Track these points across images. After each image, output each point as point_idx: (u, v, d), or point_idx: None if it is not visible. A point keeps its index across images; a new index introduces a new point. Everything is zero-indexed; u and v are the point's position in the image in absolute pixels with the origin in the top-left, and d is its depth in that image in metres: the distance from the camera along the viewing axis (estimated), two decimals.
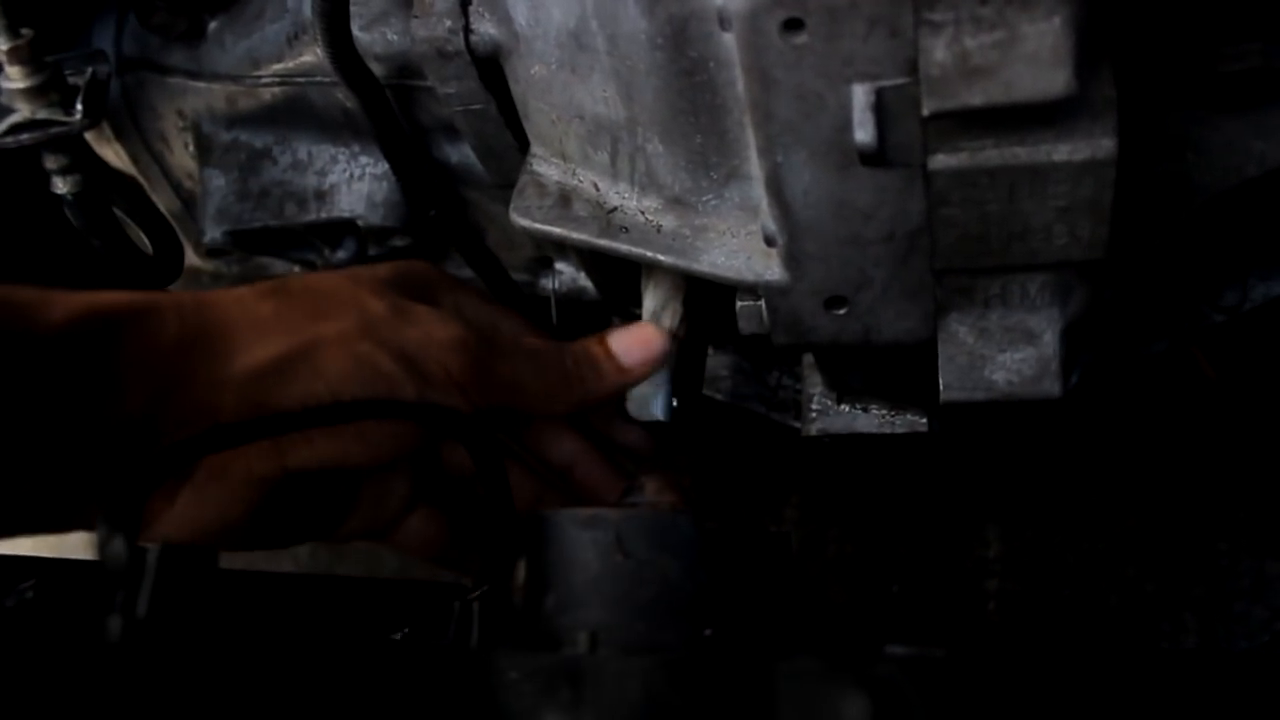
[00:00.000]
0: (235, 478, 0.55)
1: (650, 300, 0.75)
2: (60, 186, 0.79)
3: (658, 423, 0.74)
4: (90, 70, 0.77)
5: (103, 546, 0.41)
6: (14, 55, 0.73)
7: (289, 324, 0.57)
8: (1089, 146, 0.52)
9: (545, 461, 0.74)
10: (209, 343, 0.56)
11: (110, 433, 0.52)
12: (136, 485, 0.43)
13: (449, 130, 0.82)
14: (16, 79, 0.73)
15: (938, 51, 0.49)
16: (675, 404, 0.74)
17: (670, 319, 0.74)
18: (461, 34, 0.68)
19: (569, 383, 0.68)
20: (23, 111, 0.74)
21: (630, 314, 0.89)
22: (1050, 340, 0.62)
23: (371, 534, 0.66)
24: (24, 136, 0.74)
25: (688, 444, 0.80)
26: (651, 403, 0.73)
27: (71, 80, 0.76)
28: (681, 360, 0.75)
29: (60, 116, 0.75)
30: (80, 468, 0.52)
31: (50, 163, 0.78)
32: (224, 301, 0.59)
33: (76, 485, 0.52)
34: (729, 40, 0.56)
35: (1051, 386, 0.63)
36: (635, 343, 0.70)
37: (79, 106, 0.75)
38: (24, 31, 0.73)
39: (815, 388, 0.81)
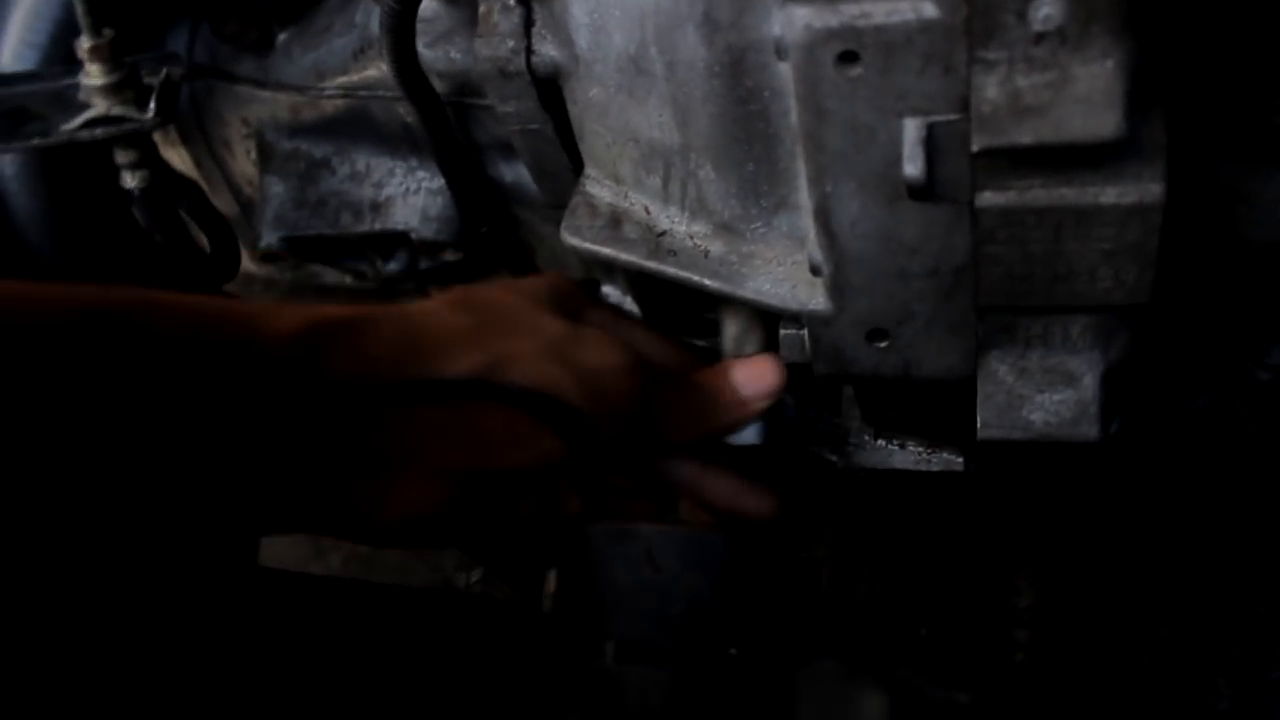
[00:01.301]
0: (437, 471, 0.58)
1: (731, 326, 0.76)
2: (129, 181, 0.82)
3: (753, 447, 0.74)
4: (165, 71, 0.80)
5: None
6: (95, 53, 0.75)
7: (484, 339, 0.61)
8: (1137, 190, 0.53)
9: (667, 484, 0.73)
10: (416, 353, 0.59)
11: (323, 439, 0.55)
12: None
13: (505, 149, 0.84)
14: (96, 76, 0.76)
15: (990, 89, 0.50)
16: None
17: (755, 345, 0.75)
18: (523, 54, 0.70)
19: (698, 414, 0.69)
20: (99, 107, 0.77)
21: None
22: (1090, 383, 0.62)
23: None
24: (98, 131, 0.77)
25: (777, 468, 0.80)
26: (747, 429, 0.74)
27: (146, 80, 0.79)
28: None
29: (134, 114, 0.77)
30: (289, 471, 0.55)
31: (121, 158, 0.81)
32: (423, 313, 0.62)
33: (283, 485, 0.55)
34: (785, 70, 0.57)
35: (1089, 430, 0.63)
36: (755, 375, 0.71)
37: (152, 105, 0.78)
38: (106, 31, 0.76)
39: (853, 422, 0.81)
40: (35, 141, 0.78)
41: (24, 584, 0.46)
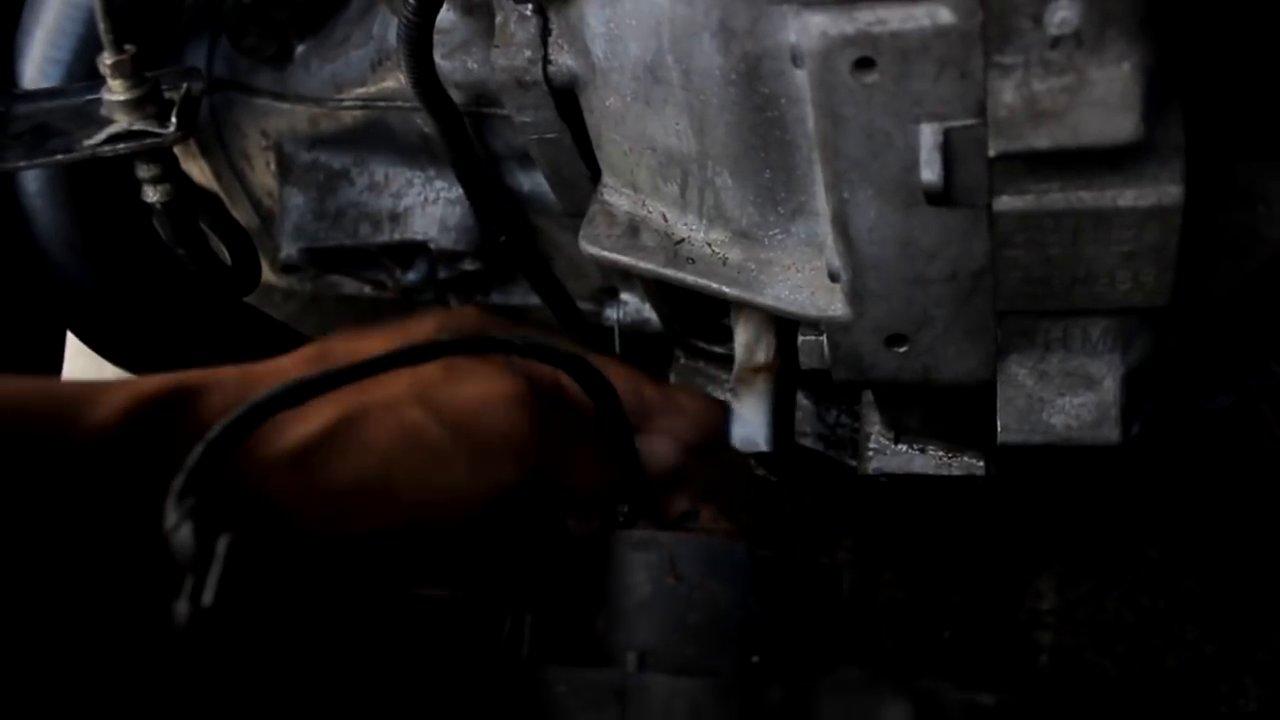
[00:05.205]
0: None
1: (742, 334, 0.76)
2: (151, 195, 0.82)
3: (762, 453, 0.74)
4: (185, 85, 0.80)
5: (172, 533, 0.42)
6: (117, 69, 0.76)
7: (335, 394, 0.53)
8: (1155, 192, 0.53)
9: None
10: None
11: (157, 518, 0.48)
12: (209, 473, 0.44)
13: (522, 158, 0.84)
14: (118, 91, 0.77)
15: (1006, 94, 0.50)
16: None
17: (765, 352, 0.75)
18: (540, 64, 0.70)
19: (600, 462, 0.62)
20: (121, 122, 0.78)
21: (693, 347, 0.90)
22: (1111, 386, 0.62)
23: None
24: (121, 146, 0.77)
25: (786, 474, 0.80)
26: (756, 435, 0.74)
27: (167, 95, 0.79)
28: (778, 392, 0.75)
29: (155, 128, 0.78)
30: (128, 554, 0.48)
31: (142, 172, 0.81)
32: (268, 374, 0.55)
33: (125, 574, 0.49)
34: (801, 77, 0.57)
35: (1110, 433, 0.63)
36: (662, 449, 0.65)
37: (173, 119, 0.78)
38: (127, 47, 0.76)
39: (873, 426, 0.81)
40: (59, 157, 0.79)
41: None
